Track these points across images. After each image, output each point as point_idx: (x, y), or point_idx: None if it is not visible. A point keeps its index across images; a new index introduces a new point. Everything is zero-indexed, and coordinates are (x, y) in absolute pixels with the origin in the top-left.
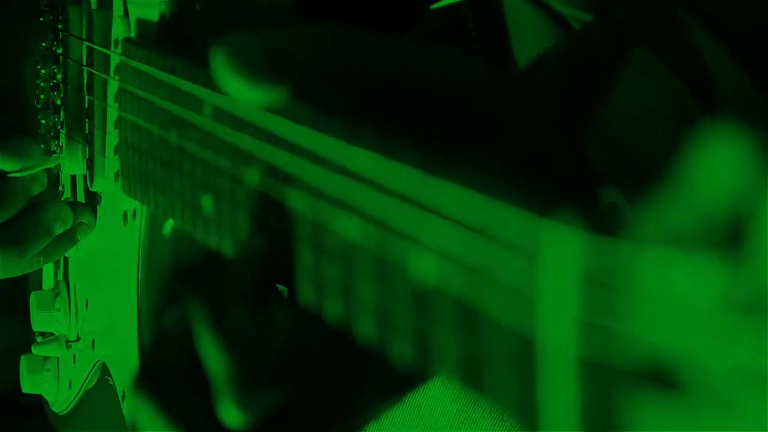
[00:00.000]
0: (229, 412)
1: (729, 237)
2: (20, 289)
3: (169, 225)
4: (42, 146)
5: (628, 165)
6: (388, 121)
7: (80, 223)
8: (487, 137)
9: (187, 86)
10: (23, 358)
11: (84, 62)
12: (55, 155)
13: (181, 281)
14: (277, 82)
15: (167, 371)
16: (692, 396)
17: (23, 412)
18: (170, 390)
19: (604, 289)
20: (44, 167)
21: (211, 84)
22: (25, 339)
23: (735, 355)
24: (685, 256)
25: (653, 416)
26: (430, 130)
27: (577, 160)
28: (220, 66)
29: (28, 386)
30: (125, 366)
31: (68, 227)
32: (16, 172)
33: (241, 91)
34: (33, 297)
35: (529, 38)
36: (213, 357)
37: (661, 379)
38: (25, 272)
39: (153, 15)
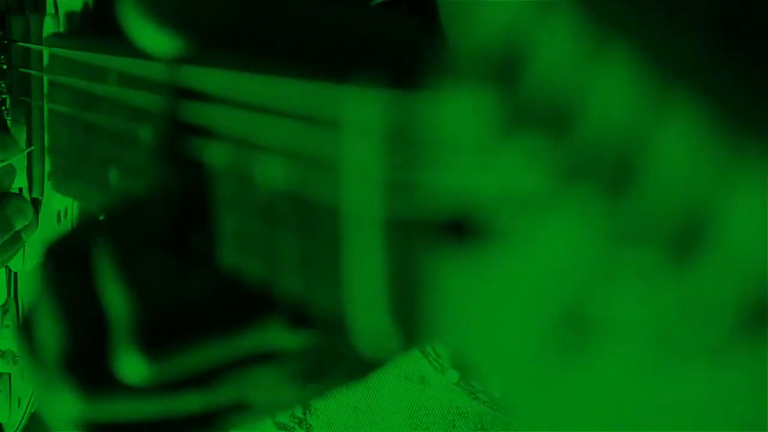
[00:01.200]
0: (130, 363)
1: (504, 68)
2: None
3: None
4: (17, 140)
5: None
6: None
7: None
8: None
9: (96, 58)
10: None
11: (23, 66)
12: (30, 148)
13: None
14: (186, 30)
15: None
16: (484, 243)
17: None
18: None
19: (403, 143)
20: (17, 158)
21: (114, 51)
22: None
23: (501, 177)
24: (462, 92)
25: (452, 267)
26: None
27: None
28: (129, 12)
29: None
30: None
31: (27, 222)
32: None
33: (149, 40)
34: None
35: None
36: (119, 301)
37: (459, 227)
38: None
39: (77, 5)
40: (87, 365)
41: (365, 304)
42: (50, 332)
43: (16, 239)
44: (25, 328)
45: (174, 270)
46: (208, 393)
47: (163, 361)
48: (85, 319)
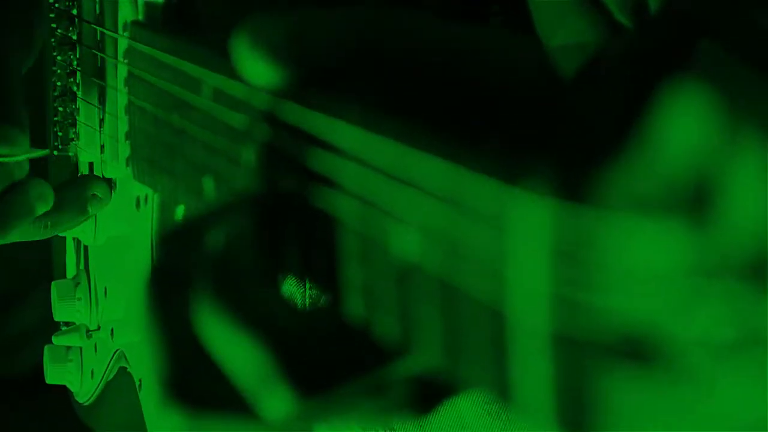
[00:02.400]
0: (277, 404)
1: (694, 200)
2: (48, 270)
3: (180, 209)
4: (29, 136)
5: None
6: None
7: (93, 195)
8: (539, 131)
9: (187, 67)
10: (46, 349)
11: (95, 47)
12: (45, 151)
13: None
14: (299, 66)
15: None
16: (662, 368)
17: (49, 391)
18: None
19: (572, 259)
20: (30, 156)
21: (210, 64)
22: (52, 321)
23: (699, 323)
24: (649, 222)
25: (625, 390)
26: (478, 122)
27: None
28: (243, 49)
29: (51, 377)
30: (143, 354)
31: (49, 207)
32: (2, 157)
33: (260, 75)
34: (54, 287)
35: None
36: (241, 350)
37: (632, 351)
38: (32, 238)
39: None
40: (187, 392)
41: (532, 409)
42: (158, 355)
43: (80, 209)
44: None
45: (283, 298)
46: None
47: (313, 398)
48: (187, 345)
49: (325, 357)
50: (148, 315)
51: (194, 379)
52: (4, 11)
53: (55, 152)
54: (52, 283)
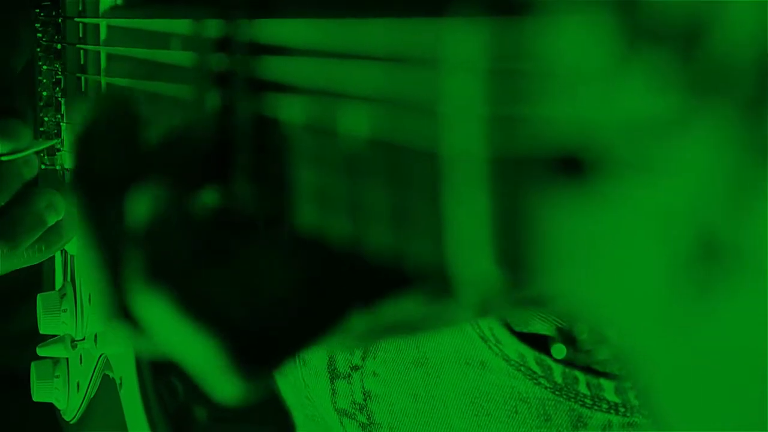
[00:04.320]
0: (227, 387)
1: None
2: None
3: None
4: (31, 128)
5: None
6: None
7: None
8: None
9: (155, 24)
10: (33, 365)
11: (78, 43)
12: (53, 141)
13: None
14: None
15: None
16: (601, 173)
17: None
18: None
19: (507, 75)
20: (36, 149)
21: (176, 14)
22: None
23: (632, 108)
24: (576, 17)
25: (566, 207)
26: None
27: None
28: None
29: (38, 394)
30: (125, 355)
31: (60, 217)
32: (6, 155)
33: None
34: (39, 299)
35: None
36: (189, 338)
37: (572, 163)
38: (26, 265)
39: None
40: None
41: (469, 249)
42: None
43: (71, 226)
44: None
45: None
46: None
47: (258, 377)
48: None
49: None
50: (83, 222)
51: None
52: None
53: (43, 166)
54: (38, 295)
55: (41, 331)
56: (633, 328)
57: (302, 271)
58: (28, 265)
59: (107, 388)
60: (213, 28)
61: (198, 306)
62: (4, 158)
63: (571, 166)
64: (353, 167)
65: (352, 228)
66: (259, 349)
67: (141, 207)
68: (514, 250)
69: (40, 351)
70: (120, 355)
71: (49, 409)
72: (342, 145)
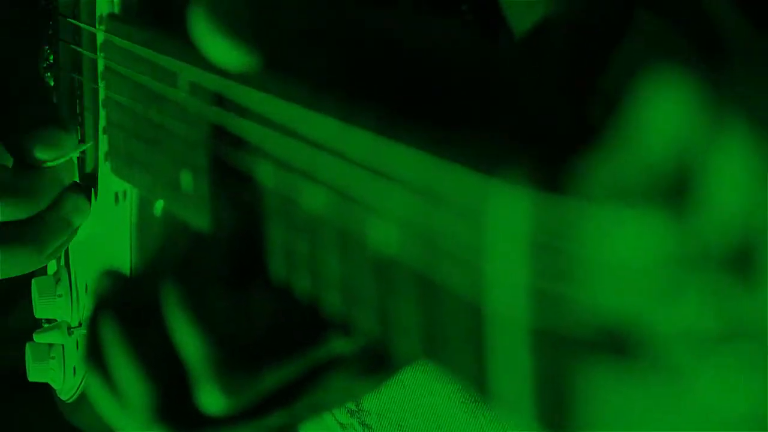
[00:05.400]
0: (209, 397)
1: (674, 189)
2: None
3: (159, 205)
4: (73, 135)
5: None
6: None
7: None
8: (483, 105)
9: (163, 60)
10: (28, 346)
11: (72, 42)
12: (87, 144)
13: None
14: (258, 44)
15: (146, 307)
16: (644, 364)
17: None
18: (144, 327)
19: (551, 251)
20: (75, 154)
21: (185, 56)
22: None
23: (681, 316)
24: (629, 212)
25: (607, 386)
26: (421, 104)
27: (580, 126)
28: (200, 24)
29: (34, 375)
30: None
31: (86, 218)
32: (51, 161)
33: (219, 52)
34: (34, 284)
35: (523, 9)
36: (189, 340)
37: (613, 346)
38: (39, 267)
39: None
40: (174, 410)
41: (511, 405)
42: (132, 384)
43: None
44: (100, 376)
45: (239, 303)
46: (288, 408)
47: (239, 390)
48: (164, 365)
49: (261, 343)
50: (119, 344)
51: (179, 406)
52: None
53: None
54: (33, 279)
55: (37, 315)
56: None
57: (286, 305)
58: (41, 266)
59: None
60: (233, 87)
61: (201, 312)
62: (49, 164)
63: (613, 341)
64: (380, 275)
65: (379, 329)
66: (243, 364)
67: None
68: (555, 414)
69: (37, 337)
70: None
71: (49, 406)
72: (370, 253)
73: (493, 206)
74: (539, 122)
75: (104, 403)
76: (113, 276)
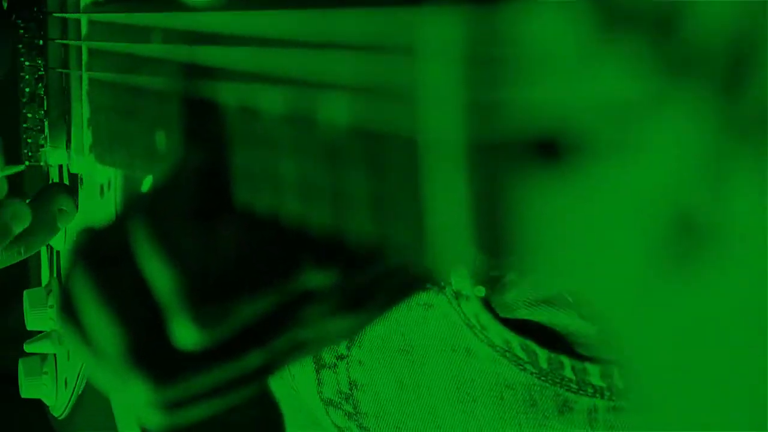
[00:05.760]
0: (183, 331)
1: None
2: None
3: (147, 183)
4: (2, 153)
5: None
6: None
7: (60, 210)
8: None
9: (138, 18)
10: (21, 362)
11: (60, 38)
12: (20, 167)
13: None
14: None
15: (115, 252)
16: (575, 161)
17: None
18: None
19: (484, 61)
20: (5, 174)
21: (158, 7)
22: None
23: (607, 91)
24: (552, 3)
25: (543, 190)
26: None
27: None
28: None
29: (26, 391)
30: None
31: (27, 225)
32: None
33: None
34: (25, 296)
35: None
36: (160, 275)
37: (548, 147)
38: (6, 264)
39: None
40: (149, 352)
41: (448, 232)
42: (102, 329)
43: (50, 227)
44: (74, 329)
45: (207, 234)
46: (265, 344)
47: (213, 322)
48: (136, 307)
49: (232, 275)
50: (94, 292)
51: (153, 346)
52: None
53: (27, 162)
54: (24, 292)
55: (28, 328)
56: (613, 305)
57: (257, 237)
58: (9, 264)
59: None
60: (200, 20)
61: (170, 248)
62: None
63: (548, 150)
64: (333, 156)
65: (334, 215)
66: (215, 296)
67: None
68: (494, 233)
69: (28, 348)
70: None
71: (39, 407)
72: (321, 134)
73: (424, 31)
74: None
75: (82, 357)
76: (85, 230)
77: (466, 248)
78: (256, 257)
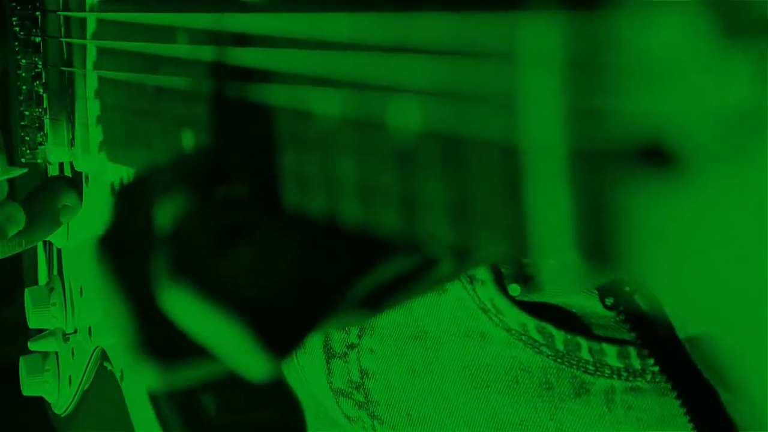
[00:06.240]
0: (257, 366)
1: None
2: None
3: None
4: (5, 155)
5: None
6: None
7: (64, 206)
8: None
9: (160, 18)
10: (22, 360)
11: (62, 35)
12: (23, 169)
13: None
14: None
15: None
16: (690, 169)
17: None
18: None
19: (587, 68)
20: (7, 176)
21: (182, 8)
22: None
23: (731, 93)
24: (663, 9)
25: (651, 198)
26: None
27: None
28: None
29: (28, 389)
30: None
31: (21, 228)
32: None
33: None
34: (27, 294)
35: None
36: (214, 323)
37: (656, 154)
38: (7, 255)
39: None
40: (157, 346)
41: (552, 239)
42: (121, 315)
43: (52, 220)
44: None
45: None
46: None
47: (282, 350)
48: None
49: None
50: (105, 280)
51: (160, 334)
52: None
53: (23, 159)
54: (26, 289)
55: (30, 326)
56: (725, 319)
57: (304, 246)
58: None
59: (102, 380)
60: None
61: (219, 292)
62: None
63: (656, 157)
64: (403, 160)
65: (403, 220)
66: (280, 325)
67: (164, 215)
68: (599, 240)
69: (32, 346)
70: (118, 346)
71: (36, 403)
72: (389, 138)
73: (523, 37)
74: None
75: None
76: (110, 215)
77: (570, 255)
78: (309, 273)
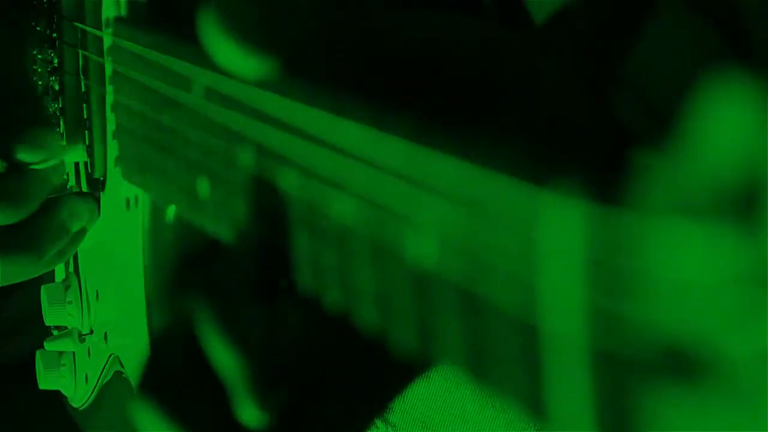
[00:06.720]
0: (249, 412)
1: (744, 203)
2: None
3: (171, 210)
4: (59, 135)
5: (659, 124)
6: (394, 95)
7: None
8: (501, 104)
9: (176, 64)
10: (38, 354)
11: (78, 45)
12: (79, 146)
13: (183, 277)
14: (273, 50)
15: (172, 375)
16: (712, 383)
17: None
18: (177, 395)
19: (611, 268)
20: (64, 157)
21: (199, 61)
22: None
23: (754, 337)
24: (696, 227)
25: (672, 407)
26: (438, 102)
27: (604, 120)
28: (211, 31)
29: (44, 383)
30: (137, 358)
31: (84, 223)
32: (37, 163)
33: (231, 59)
34: (43, 291)
35: None
36: (225, 358)
37: (679, 366)
38: (44, 272)
39: None
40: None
41: (569, 422)
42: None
43: (82, 233)
44: None
45: (269, 316)
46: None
47: (277, 406)
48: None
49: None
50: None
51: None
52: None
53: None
54: (42, 286)
55: (47, 323)
56: None
57: (315, 328)
58: (46, 271)
59: (116, 375)
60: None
61: (239, 335)
62: (35, 166)
63: (679, 362)
64: (420, 288)
65: (419, 341)
66: (276, 381)
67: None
68: None
69: (48, 345)
70: (133, 357)
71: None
72: (406, 265)
73: (545, 219)
74: (562, 117)
75: None
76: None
77: None
78: (319, 337)
